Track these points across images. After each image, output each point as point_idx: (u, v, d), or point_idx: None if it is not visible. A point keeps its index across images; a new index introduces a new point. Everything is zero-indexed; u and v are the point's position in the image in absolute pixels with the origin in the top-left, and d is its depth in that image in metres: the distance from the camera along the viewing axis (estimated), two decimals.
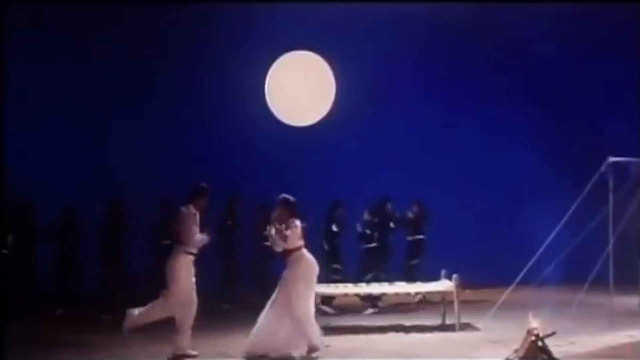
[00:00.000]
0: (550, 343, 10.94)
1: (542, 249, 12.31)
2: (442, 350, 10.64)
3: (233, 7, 14.92)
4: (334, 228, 13.96)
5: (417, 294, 13.88)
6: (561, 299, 13.03)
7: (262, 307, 10.31)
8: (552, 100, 16.29)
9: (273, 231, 10.14)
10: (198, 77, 15.38)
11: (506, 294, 12.43)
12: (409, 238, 14.68)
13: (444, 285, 12.24)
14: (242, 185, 14.53)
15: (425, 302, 14.09)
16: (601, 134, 15.00)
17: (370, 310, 13.62)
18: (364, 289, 12.74)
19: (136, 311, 10.25)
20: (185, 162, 15.23)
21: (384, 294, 13.37)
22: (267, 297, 10.18)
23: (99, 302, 13.47)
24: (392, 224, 14.17)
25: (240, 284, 14.43)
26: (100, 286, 13.63)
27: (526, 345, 9.62)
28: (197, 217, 10.30)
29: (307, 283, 10.11)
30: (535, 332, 9.70)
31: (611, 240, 12.30)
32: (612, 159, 12.12)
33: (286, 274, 10.16)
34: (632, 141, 13.70)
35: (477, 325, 12.13)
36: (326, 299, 13.07)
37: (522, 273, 12.32)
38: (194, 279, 10.28)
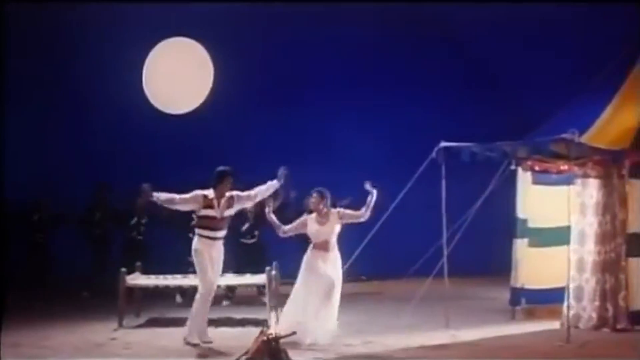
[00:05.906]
0: (342, 342, 10.29)
1: (368, 237, 11.56)
2: (225, 345, 9.99)
3: None
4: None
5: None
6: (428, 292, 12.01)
7: None
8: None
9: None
10: (78, 67, 15.15)
11: None
12: None
13: (259, 278, 11.69)
14: (113, 175, 14.32)
15: None
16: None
17: (225, 302, 13.28)
18: (178, 280, 11.97)
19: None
20: (58, 153, 15.16)
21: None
22: None
23: None
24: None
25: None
26: None
27: (255, 346, 9.03)
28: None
29: None
30: (267, 332, 9.11)
31: (444, 228, 11.46)
32: (443, 144, 11.27)
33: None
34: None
35: None
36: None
37: (348, 263, 11.38)
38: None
